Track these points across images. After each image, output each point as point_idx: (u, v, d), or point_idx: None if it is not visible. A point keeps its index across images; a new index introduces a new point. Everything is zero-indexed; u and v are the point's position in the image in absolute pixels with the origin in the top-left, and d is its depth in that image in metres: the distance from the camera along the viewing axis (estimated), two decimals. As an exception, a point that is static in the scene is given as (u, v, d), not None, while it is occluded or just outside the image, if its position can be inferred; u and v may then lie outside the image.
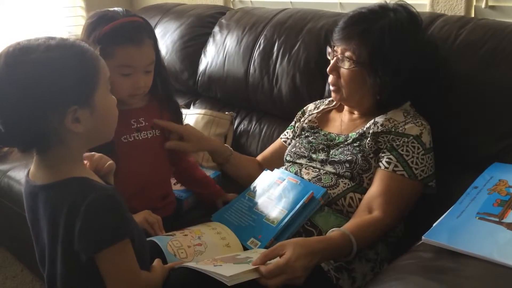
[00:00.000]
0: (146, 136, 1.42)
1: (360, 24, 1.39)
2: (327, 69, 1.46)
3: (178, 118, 1.50)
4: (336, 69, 1.44)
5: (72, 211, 0.92)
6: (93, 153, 1.12)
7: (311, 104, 1.68)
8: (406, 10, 1.41)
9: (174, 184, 1.62)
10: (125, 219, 0.97)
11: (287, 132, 1.68)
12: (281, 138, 1.70)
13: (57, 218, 0.94)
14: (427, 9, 1.82)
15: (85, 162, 1.07)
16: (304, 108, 1.69)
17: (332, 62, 1.45)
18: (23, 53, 0.90)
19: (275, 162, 1.61)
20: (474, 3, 1.73)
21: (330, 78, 1.47)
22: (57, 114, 0.92)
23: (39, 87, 0.89)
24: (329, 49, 1.48)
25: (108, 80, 1.01)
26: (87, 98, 0.95)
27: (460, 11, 1.75)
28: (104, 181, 1.05)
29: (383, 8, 1.42)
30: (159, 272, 1.09)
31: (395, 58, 1.35)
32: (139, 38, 1.30)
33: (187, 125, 1.55)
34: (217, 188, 1.59)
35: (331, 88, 1.48)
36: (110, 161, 1.14)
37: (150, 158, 1.42)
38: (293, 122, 1.69)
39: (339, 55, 1.42)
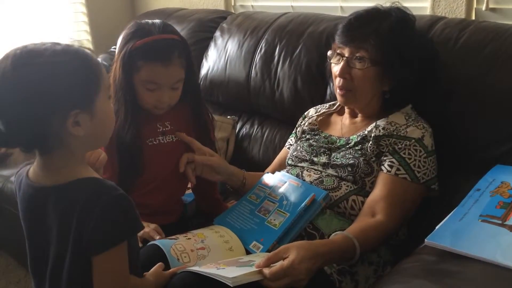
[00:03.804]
0: (171, 139, 1.45)
1: (370, 24, 1.39)
2: (337, 73, 1.42)
3: (206, 131, 1.50)
4: (347, 72, 1.41)
5: (85, 210, 0.95)
6: None
7: (312, 108, 1.69)
8: (401, 10, 1.44)
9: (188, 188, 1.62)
10: (133, 221, 1.00)
11: (291, 139, 1.68)
12: (286, 147, 1.69)
13: (70, 217, 0.96)
14: (427, 12, 1.83)
15: None
16: (305, 113, 1.69)
17: (341, 65, 1.41)
18: (30, 56, 0.93)
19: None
20: (475, 5, 1.74)
21: (340, 81, 1.43)
22: (59, 117, 0.94)
23: (43, 90, 0.91)
24: (330, 53, 1.48)
25: (109, 88, 1.04)
26: (88, 103, 0.97)
27: (460, 13, 1.75)
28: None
29: (380, 9, 1.44)
30: (152, 280, 1.11)
31: (407, 52, 1.37)
32: (167, 57, 1.32)
33: (216, 157, 1.49)
34: (220, 201, 1.59)
35: (340, 92, 1.45)
36: (103, 154, 1.17)
37: (173, 161, 1.44)
38: (296, 128, 1.68)
39: (349, 56, 1.41)
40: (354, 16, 1.44)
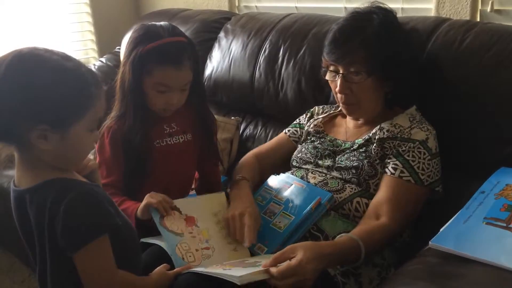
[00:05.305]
0: (177, 140, 1.46)
1: (355, 35, 1.38)
2: (338, 90, 1.41)
3: (210, 132, 1.52)
4: (347, 87, 1.40)
5: (52, 210, 0.96)
6: None
7: (318, 107, 1.68)
8: (381, 9, 1.43)
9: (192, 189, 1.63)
10: (103, 216, 0.99)
11: (296, 131, 1.66)
12: (285, 133, 1.69)
13: (42, 218, 0.98)
14: (432, 13, 1.82)
15: None
16: (312, 109, 1.68)
17: (339, 82, 1.40)
18: (33, 62, 0.94)
19: (277, 157, 1.63)
20: (480, 7, 1.73)
21: (342, 97, 1.43)
22: (25, 123, 0.95)
23: (20, 92, 0.93)
24: (323, 70, 1.47)
25: (95, 122, 1.03)
26: (62, 125, 0.97)
27: (465, 15, 1.74)
28: (90, 180, 1.08)
29: (361, 13, 1.43)
30: (154, 278, 1.11)
31: (399, 52, 1.37)
32: (178, 60, 1.33)
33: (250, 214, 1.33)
34: None
35: (345, 106, 1.46)
36: (92, 161, 1.16)
37: (180, 161, 1.47)
38: (302, 121, 1.68)
39: (344, 72, 1.39)
40: (337, 29, 1.42)
